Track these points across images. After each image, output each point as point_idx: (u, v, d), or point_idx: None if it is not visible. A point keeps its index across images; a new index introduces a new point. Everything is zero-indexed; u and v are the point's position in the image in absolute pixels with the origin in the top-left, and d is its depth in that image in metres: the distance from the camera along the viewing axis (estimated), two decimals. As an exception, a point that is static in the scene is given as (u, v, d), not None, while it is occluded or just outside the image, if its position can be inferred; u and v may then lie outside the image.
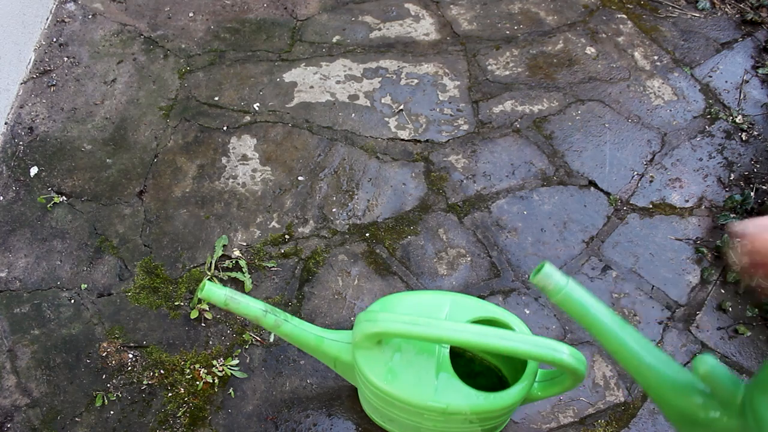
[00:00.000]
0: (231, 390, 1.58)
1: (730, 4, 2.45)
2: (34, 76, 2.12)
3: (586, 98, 2.15)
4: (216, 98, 2.10)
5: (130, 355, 1.63)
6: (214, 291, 1.13)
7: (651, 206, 1.92)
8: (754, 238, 0.86)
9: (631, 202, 1.92)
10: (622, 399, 1.60)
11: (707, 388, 0.90)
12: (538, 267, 0.98)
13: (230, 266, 1.76)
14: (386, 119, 2.07)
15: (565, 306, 0.98)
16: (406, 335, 1.08)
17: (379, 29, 2.30)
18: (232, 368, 1.61)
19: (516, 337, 1.07)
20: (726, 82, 2.21)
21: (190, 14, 2.33)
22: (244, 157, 1.97)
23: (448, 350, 1.20)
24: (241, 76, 2.16)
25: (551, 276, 0.97)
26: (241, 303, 1.16)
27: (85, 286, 1.73)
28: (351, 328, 1.65)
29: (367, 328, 1.11)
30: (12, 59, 2.05)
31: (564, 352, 1.08)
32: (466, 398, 1.16)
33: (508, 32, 2.33)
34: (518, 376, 1.25)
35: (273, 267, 1.77)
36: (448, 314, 1.24)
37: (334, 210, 1.88)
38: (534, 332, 1.68)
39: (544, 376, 1.27)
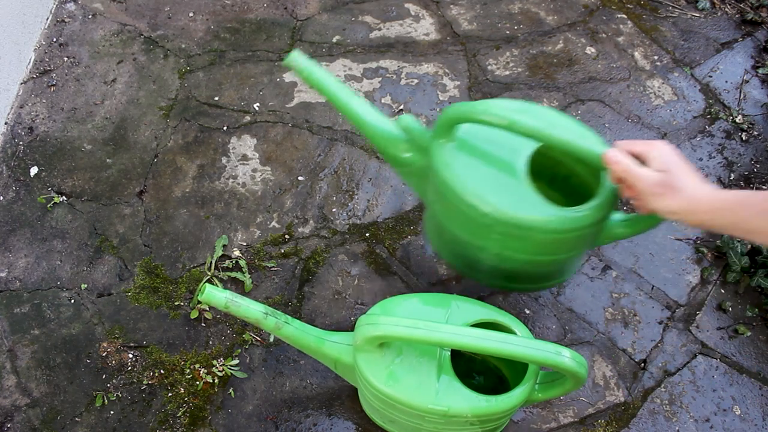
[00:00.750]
0: (231, 390, 1.59)
1: (730, 4, 2.45)
2: (34, 76, 2.12)
3: (586, 98, 2.15)
4: (216, 98, 2.10)
5: (130, 355, 1.63)
6: (214, 294, 1.13)
7: (651, 206, 1.92)
8: (618, 165, 1.05)
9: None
10: (622, 399, 1.61)
11: (408, 137, 1.28)
12: (288, 56, 1.23)
13: (230, 266, 1.76)
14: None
15: (310, 82, 1.26)
16: (406, 339, 1.08)
17: (379, 29, 2.30)
18: (232, 368, 1.61)
19: (517, 341, 1.08)
20: (726, 82, 2.21)
21: (190, 14, 2.32)
22: (244, 157, 1.97)
23: (449, 353, 1.20)
24: (241, 76, 2.16)
25: (298, 59, 1.24)
26: (241, 306, 1.16)
27: (85, 286, 1.73)
28: (351, 328, 1.65)
29: (368, 331, 1.12)
30: (12, 59, 2.05)
31: (565, 356, 1.08)
32: (467, 401, 1.16)
33: (508, 32, 2.32)
34: (519, 376, 1.26)
35: (273, 267, 1.77)
36: (448, 317, 1.24)
37: (334, 210, 1.88)
38: (534, 332, 1.68)
39: (545, 378, 1.28)
